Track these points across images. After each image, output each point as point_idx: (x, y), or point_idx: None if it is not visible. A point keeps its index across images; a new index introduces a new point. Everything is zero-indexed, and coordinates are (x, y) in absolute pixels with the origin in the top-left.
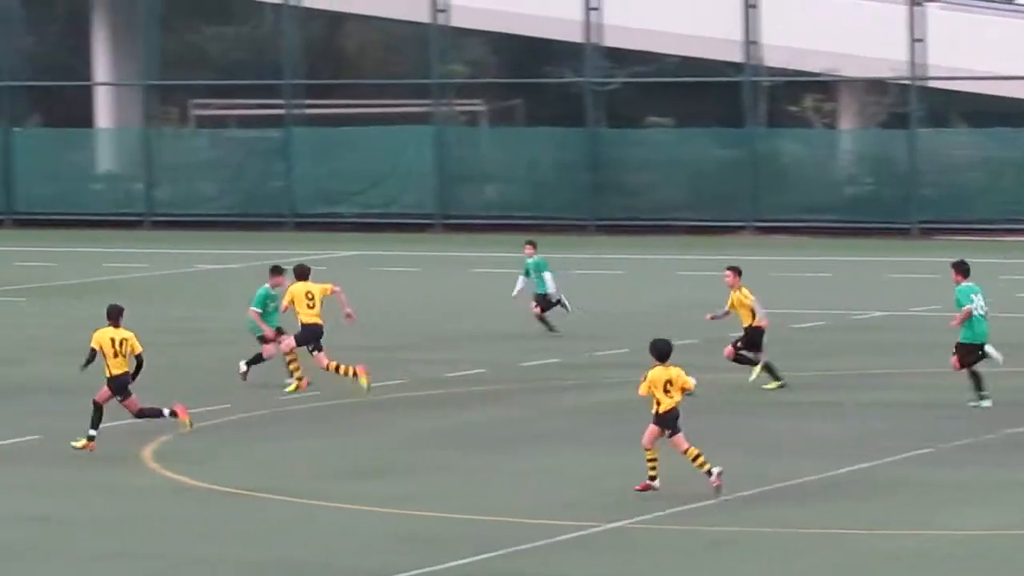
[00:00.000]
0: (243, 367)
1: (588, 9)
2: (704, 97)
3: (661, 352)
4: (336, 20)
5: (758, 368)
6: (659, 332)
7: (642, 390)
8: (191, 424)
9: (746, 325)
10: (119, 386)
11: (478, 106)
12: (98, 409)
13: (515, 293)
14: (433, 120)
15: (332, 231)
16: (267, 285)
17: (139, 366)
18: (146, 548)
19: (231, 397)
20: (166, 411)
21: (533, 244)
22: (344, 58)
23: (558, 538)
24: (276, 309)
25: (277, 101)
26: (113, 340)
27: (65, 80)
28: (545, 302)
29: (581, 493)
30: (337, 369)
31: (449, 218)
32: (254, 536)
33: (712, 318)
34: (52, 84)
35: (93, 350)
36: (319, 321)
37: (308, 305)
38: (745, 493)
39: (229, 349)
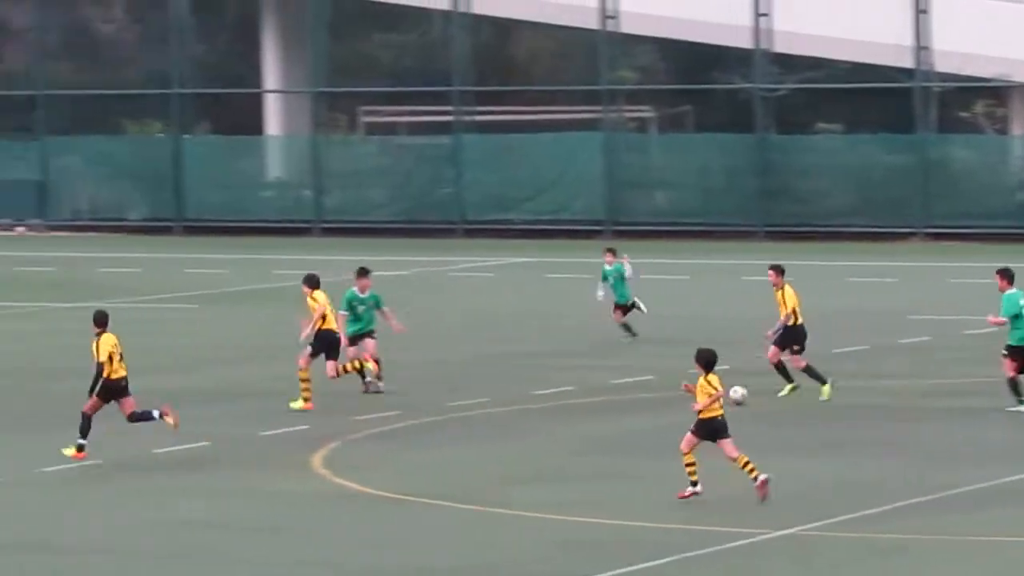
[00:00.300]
0: (363, 385)
1: (757, 15)
2: (874, 103)
3: (708, 361)
4: (505, 27)
5: (789, 388)
6: (827, 339)
7: (704, 400)
8: (176, 425)
9: (791, 325)
10: (117, 390)
11: (647, 112)
12: (86, 420)
13: (600, 297)
14: (602, 126)
15: (501, 238)
16: (354, 288)
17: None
18: (317, 555)
19: (399, 404)
20: (155, 413)
21: (613, 251)
22: (513, 65)
23: (727, 545)
24: (368, 311)
25: (446, 108)
26: (114, 347)
27: (234, 87)
28: (624, 308)
29: (750, 500)
30: (345, 369)
31: (618, 224)
32: (423, 543)
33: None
34: (222, 91)
35: (102, 364)
36: (336, 328)
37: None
38: (916, 500)
39: (398, 356)
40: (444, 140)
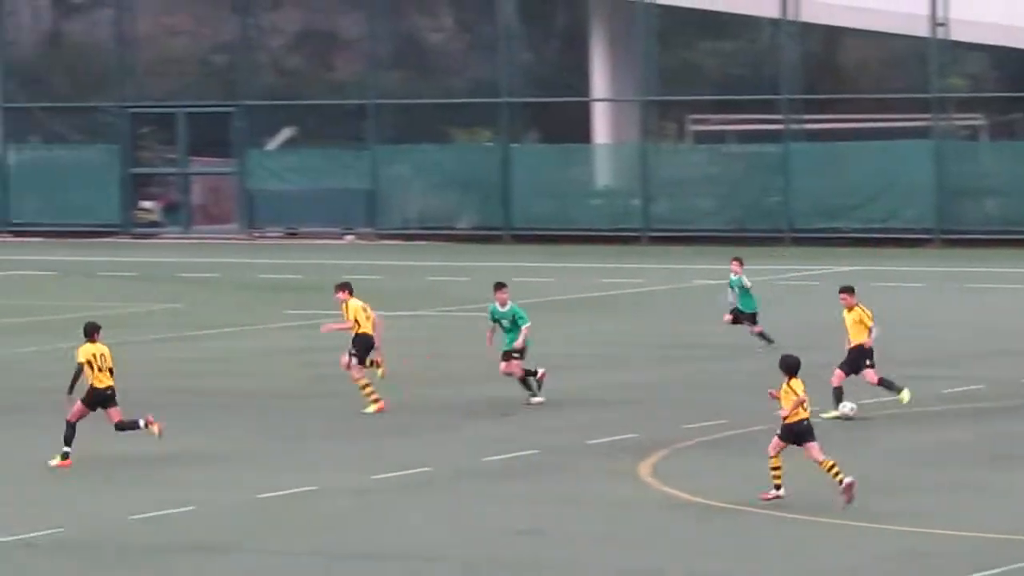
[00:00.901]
0: (535, 400)
1: None
2: None
3: (790, 366)
4: (834, 35)
5: (905, 394)
6: None
7: (789, 405)
8: (160, 433)
9: (853, 346)
10: (102, 399)
11: (978, 120)
12: (70, 428)
13: (731, 302)
14: (932, 134)
15: (830, 246)
16: (495, 303)
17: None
18: (643, 564)
19: (727, 412)
20: (141, 422)
21: (740, 261)
22: (842, 72)
23: None
24: (512, 326)
25: (775, 116)
26: (95, 355)
27: (563, 96)
28: (747, 318)
29: None
30: (373, 363)
31: (948, 233)
32: (752, 552)
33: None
34: (550, 100)
35: (81, 365)
36: (372, 332)
37: (366, 317)
38: None
39: (723, 365)
40: (773, 148)
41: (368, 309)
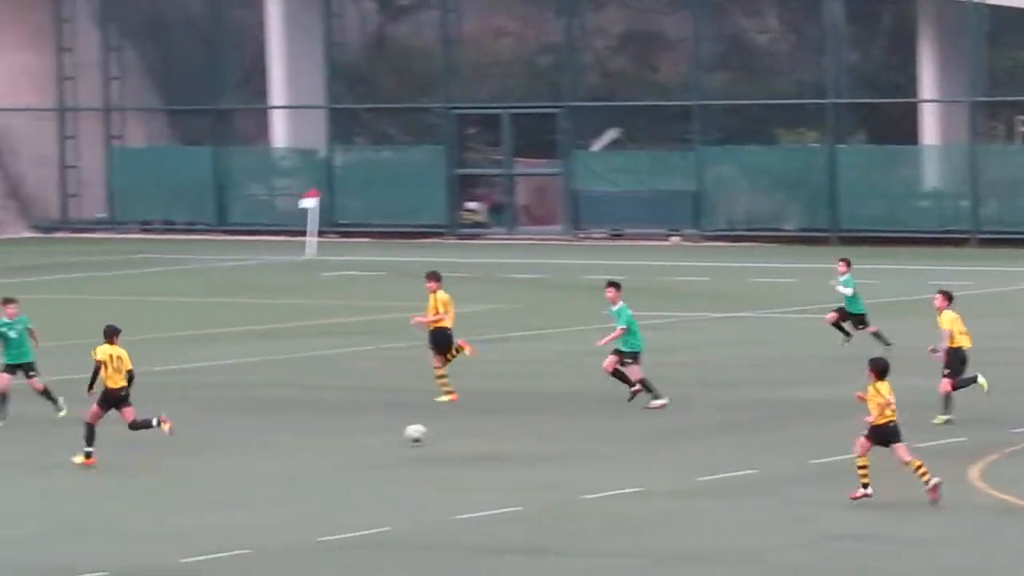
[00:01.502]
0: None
1: None
2: None
3: (880, 369)
4: None
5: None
6: None
7: (875, 410)
8: (171, 431)
9: (952, 347)
10: (115, 399)
11: None
12: (89, 429)
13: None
14: None
15: None
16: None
17: (130, 380)
18: (973, 569)
19: None
20: (154, 421)
21: (847, 262)
22: None
23: None
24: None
25: None
26: (112, 356)
27: (890, 97)
28: (856, 319)
29: None
30: (447, 359)
31: None
32: None
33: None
34: (877, 101)
35: (99, 364)
36: (450, 326)
37: (444, 310)
38: None
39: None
40: None
41: (450, 304)
